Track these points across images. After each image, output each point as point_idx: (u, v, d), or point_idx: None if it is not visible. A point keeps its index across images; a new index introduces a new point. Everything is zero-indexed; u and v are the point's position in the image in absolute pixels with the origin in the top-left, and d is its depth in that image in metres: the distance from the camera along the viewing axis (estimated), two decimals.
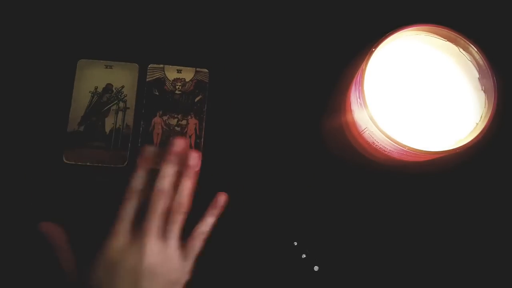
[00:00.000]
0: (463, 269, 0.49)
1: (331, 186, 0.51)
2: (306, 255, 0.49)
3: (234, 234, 0.49)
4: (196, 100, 0.52)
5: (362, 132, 0.46)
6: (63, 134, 0.50)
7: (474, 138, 0.42)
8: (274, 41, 0.53)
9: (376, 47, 0.43)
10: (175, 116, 0.51)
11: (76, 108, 0.51)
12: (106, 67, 0.52)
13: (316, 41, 0.53)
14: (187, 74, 0.52)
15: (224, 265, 0.49)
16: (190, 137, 0.51)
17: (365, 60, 0.43)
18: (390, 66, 0.44)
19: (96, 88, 0.51)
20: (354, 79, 0.46)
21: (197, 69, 0.52)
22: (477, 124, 0.43)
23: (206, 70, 0.52)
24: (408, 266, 0.49)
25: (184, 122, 0.51)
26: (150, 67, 0.52)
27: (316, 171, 0.51)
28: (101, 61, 0.52)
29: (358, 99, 0.43)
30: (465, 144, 0.42)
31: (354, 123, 0.47)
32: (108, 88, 0.51)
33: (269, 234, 0.49)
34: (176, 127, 0.51)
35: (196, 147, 0.51)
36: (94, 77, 0.51)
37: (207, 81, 0.52)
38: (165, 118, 0.51)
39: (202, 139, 0.51)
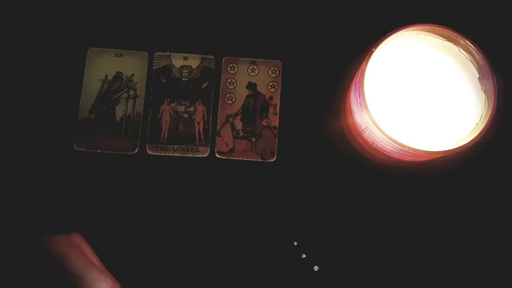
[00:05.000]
0: (463, 269, 0.49)
1: (331, 186, 0.51)
2: (306, 255, 0.49)
3: (234, 234, 0.49)
4: (203, 86, 0.52)
5: (362, 132, 0.46)
6: (74, 122, 0.51)
7: (474, 138, 0.42)
8: (274, 40, 0.53)
9: (376, 47, 0.43)
10: (183, 103, 0.52)
11: (87, 96, 0.51)
12: (116, 55, 0.52)
13: (316, 41, 0.53)
14: (194, 61, 0.53)
15: (224, 265, 0.49)
16: (198, 123, 0.51)
17: (365, 60, 0.43)
18: (390, 66, 0.44)
19: (106, 76, 0.52)
20: (354, 79, 0.46)
21: (203, 56, 0.53)
22: (477, 124, 0.43)
23: (212, 57, 0.53)
24: (408, 266, 0.49)
25: (191, 109, 0.52)
26: (157, 55, 0.52)
27: (316, 171, 0.51)
28: (111, 49, 0.52)
29: (358, 99, 0.43)
30: (465, 144, 0.42)
31: (354, 123, 0.47)
32: (118, 76, 0.52)
33: (269, 234, 0.50)
34: (184, 114, 0.52)
35: (205, 133, 0.51)
36: (104, 65, 0.52)
37: (213, 67, 0.52)
38: (173, 105, 0.52)
39: (211, 125, 0.51)
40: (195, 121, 0.51)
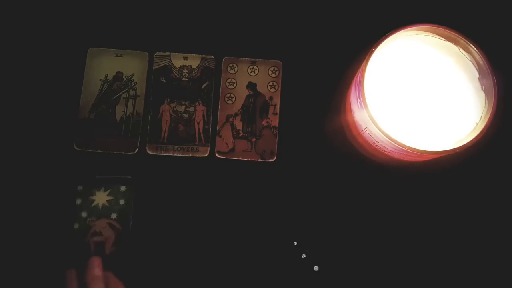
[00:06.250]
0: (463, 269, 0.49)
1: (330, 186, 0.51)
2: (306, 255, 0.49)
3: (234, 233, 0.49)
4: (203, 87, 0.52)
5: (362, 132, 0.46)
6: (74, 122, 0.51)
7: (474, 138, 0.42)
8: (274, 40, 0.53)
9: (376, 47, 0.43)
10: (183, 103, 0.52)
11: (87, 96, 0.51)
12: (116, 55, 0.52)
13: (316, 41, 0.53)
14: (193, 61, 0.53)
15: (224, 265, 0.49)
16: (198, 123, 0.51)
17: (365, 60, 0.43)
18: (390, 66, 0.44)
19: (106, 76, 0.52)
20: (354, 79, 0.46)
21: (203, 56, 0.53)
22: (477, 124, 0.43)
23: (212, 57, 0.53)
24: (408, 266, 0.49)
25: (191, 108, 0.52)
26: (157, 55, 0.52)
27: (316, 171, 0.51)
28: (111, 49, 0.52)
29: (358, 99, 0.43)
30: (465, 144, 0.42)
31: (354, 123, 0.47)
32: (118, 76, 0.52)
33: (269, 234, 0.50)
34: (184, 114, 0.52)
35: (205, 133, 0.51)
36: (104, 65, 0.52)
37: (213, 67, 0.52)
38: (173, 105, 0.52)
39: (211, 125, 0.51)
40: (195, 121, 0.51)
